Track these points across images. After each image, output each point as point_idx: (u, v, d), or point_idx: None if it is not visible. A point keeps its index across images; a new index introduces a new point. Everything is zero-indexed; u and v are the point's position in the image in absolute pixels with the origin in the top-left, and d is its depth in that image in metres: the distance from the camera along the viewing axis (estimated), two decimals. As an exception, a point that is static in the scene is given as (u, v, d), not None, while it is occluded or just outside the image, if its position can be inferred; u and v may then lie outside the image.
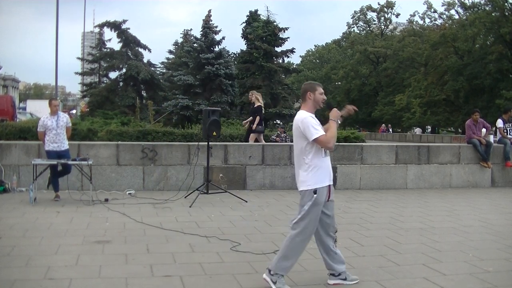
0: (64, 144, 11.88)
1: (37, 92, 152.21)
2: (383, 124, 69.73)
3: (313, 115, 6.17)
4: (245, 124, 17.69)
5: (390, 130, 69.01)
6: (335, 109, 6.29)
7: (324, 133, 5.99)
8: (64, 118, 12.00)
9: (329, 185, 6.13)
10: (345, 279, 6.29)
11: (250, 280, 6.37)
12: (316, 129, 5.96)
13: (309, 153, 6.06)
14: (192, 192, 12.36)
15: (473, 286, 6.37)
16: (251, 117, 16.88)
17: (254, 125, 16.71)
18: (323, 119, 6.34)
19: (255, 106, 17.00)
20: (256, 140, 16.67)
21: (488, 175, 16.12)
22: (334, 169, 14.47)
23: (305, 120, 6.04)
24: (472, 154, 15.97)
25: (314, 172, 6.03)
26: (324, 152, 6.10)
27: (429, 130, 77.51)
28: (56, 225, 9.21)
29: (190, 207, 11.31)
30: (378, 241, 8.50)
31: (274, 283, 6.01)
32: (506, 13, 57.76)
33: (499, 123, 17.05)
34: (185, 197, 12.27)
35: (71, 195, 12.02)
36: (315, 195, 5.96)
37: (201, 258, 7.28)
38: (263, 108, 17.27)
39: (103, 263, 6.90)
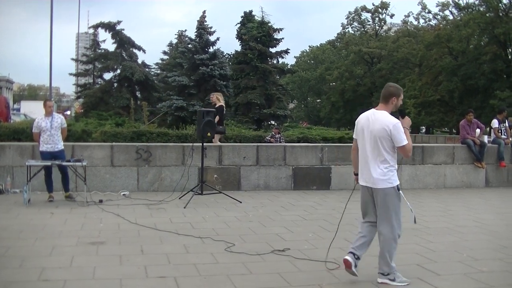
0: (59, 145, 11.88)
1: (31, 93, 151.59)
2: None
3: None
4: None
5: None
6: (407, 117, 6.62)
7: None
8: (58, 119, 12.00)
9: None
10: (393, 280, 6.40)
11: (245, 281, 6.38)
12: (406, 136, 6.29)
13: (391, 155, 6.36)
14: (186, 193, 12.35)
15: (468, 286, 6.39)
16: (217, 118, 16.49)
17: None
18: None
19: (216, 106, 16.58)
20: (220, 140, 16.32)
21: (482, 175, 16.15)
22: (329, 170, 14.54)
23: (397, 125, 6.28)
24: (466, 155, 16.01)
25: (392, 171, 6.37)
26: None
27: (424, 130, 77.60)
28: (50, 226, 9.19)
29: (184, 208, 11.30)
30: (373, 242, 8.48)
31: (393, 280, 6.36)
32: (500, 14, 57.86)
33: (495, 123, 17.09)
34: (179, 198, 12.26)
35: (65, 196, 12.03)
36: (400, 191, 6.34)
37: (196, 259, 7.28)
38: (224, 108, 17.05)
39: (97, 264, 6.89)
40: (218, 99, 16.82)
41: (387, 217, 6.32)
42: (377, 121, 6.37)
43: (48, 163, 11.51)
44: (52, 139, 11.75)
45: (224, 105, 16.92)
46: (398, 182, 6.34)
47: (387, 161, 6.31)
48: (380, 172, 6.32)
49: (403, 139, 6.21)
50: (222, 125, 16.81)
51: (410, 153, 6.39)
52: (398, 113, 6.60)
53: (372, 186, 6.42)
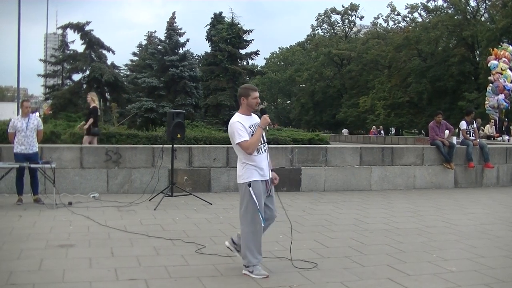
0: (33, 147, 11.75)
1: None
2: (374, 126, 64.38)
3: (243, 119, 6.70)
4: (81, 128, 16.94)
5: (382, 132, 61.20)
6: (264, 116, 6.68)
7: (247, 139, 6.47)
8: (35, 121, 11.89)
9: (265, 180, 6.74)
10: (252, 272, 6.63)
11: (215, 282, 6.36)
12: (240, 135, 6.51)
13: (240, 152, 6.65)
14: (156, 195, 12.28)
15: (437, 286, 6.43)
16: (91, 120, 16.22)
17: (86, 126, 16.14)
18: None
19: (91, 107, 16.38)
20: (90, 143, 15.96)
21: (451, 176, 16.29)
22: (299, 171, 14.53)
23: (233, 125, 6.63)
24: (435, 156, 16.12)
25: (248, 168, 6.63)
26: (256, 151, 6.58)
27: (393, 131, 78.10)
28: (18, 230, 9.08)
29: (154, 210, 11.24)
30: (343, 243, 8.54)
31: (252, 272, 6.59)
32: (468, 16, 58.74)
33: (463, 124, 17.26)
34: (149, 200, 12.19)
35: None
36: (249, 188, 6.57)
37: (166, 261, 7.24)
38: (99, 110, 16.71)
39: (66, 267, 6.82)
40: (93, 99, 16.51)
41: (244, 210, 6.69)
42: None
43: (16, 165, 11.37)
44: (27, 140, 11.60)
45: (98, 107, 16.68)
46: (252, 179, 6.56)
47: (241, 158, 6.68)
48: (239, 169, 6.75)
49: (236, 138, 6.50)
50: (97, 127, 16.55)
51: (249, 150, 6.47)
52: (260, 113, 6.84)
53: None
